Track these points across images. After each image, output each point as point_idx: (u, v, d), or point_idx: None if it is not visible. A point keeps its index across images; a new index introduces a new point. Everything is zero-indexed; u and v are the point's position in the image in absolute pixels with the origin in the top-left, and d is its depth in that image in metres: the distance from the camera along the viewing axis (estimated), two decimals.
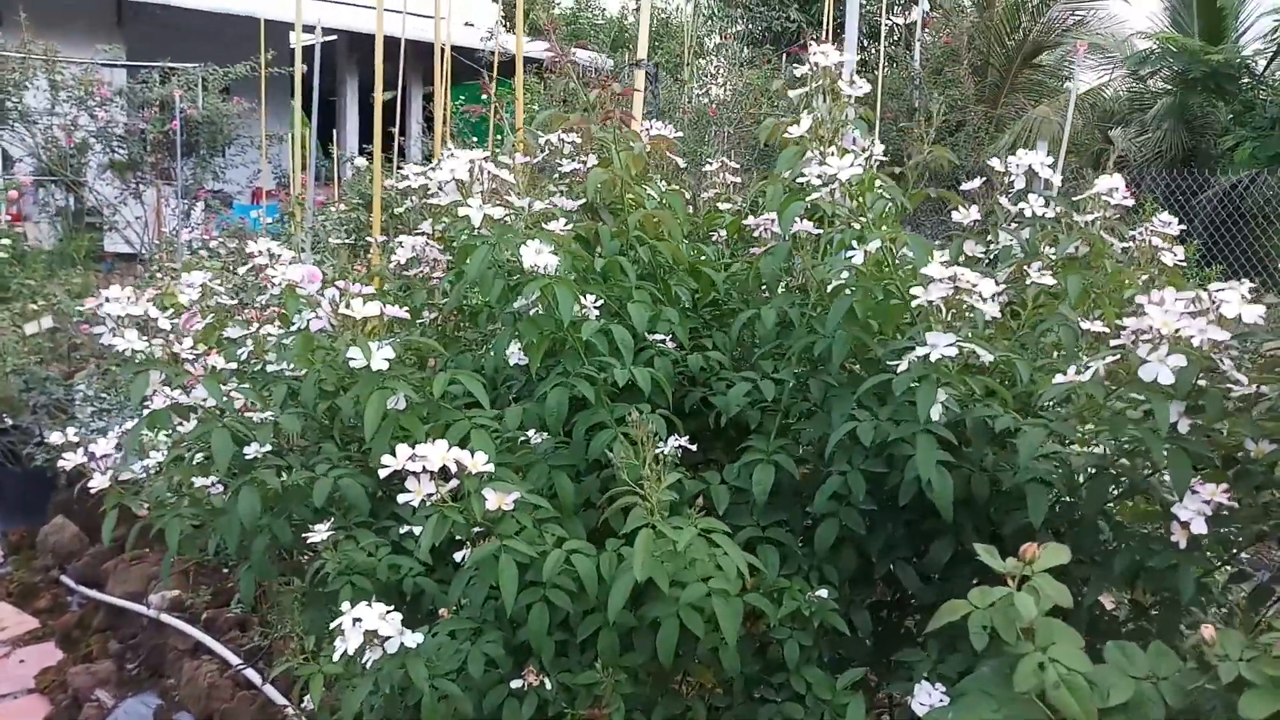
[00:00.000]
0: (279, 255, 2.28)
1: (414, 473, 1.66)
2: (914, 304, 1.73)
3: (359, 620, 1.69)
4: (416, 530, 2.26)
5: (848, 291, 1.92)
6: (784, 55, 11.09)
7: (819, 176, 1.87)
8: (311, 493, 2.21)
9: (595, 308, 1.96)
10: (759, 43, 11.56)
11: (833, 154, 1.81)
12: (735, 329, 2.16)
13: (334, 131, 11.18)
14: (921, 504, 1.98)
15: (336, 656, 1.70)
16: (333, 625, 1.73)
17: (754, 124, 7.65)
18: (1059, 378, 1.77)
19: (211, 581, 4.41)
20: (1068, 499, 2.01)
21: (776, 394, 2.03)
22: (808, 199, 1.97)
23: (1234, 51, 11.87)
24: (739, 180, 3.09)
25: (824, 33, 7.73)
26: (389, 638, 1.70)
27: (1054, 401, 1.79)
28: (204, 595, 4.29)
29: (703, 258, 2.52)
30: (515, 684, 1.89)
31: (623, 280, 2.17)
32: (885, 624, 2.31)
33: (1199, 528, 1.69)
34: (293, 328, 2.32)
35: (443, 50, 5.18)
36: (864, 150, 1.83)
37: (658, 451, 1.65)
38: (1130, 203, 2.18)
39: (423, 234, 2.60)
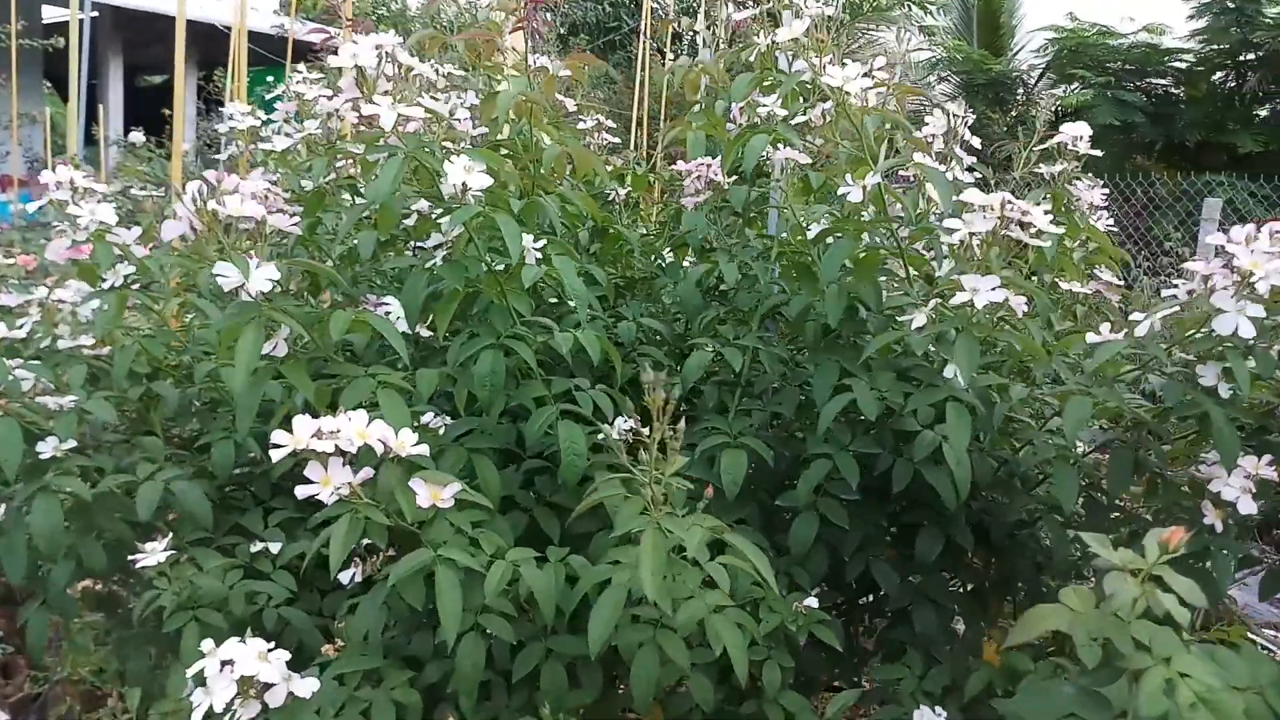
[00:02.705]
0: (86, 189, 1.72)
1: (320, 455, 1.19)
2: (947, 241, 1.42)
3: (230, 663, 1.21)
4: (274, 548, 1.78)
5: (830, 240, 1.60)
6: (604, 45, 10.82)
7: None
8: (132, 502, 1.68)
9: (536, 249, 1.54)
10: (570, 34, 11.24)
11: (829, 63, 1.48)
12: (690, 281, 1.79)
13: (97, 114, 9.99)
14: (905, 492, 1.69)
15: (197, 717, 1.21)
16: (190, 672, 1.24)
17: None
18: (1092, 336, 1.52)
19: None
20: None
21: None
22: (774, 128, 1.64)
23: (1011, 65, 12.53)
24: (617, 141, 2.75)
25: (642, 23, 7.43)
26: (272, 686, 1.23)
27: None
28: None
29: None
30: None
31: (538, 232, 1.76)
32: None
33: (1246, 507, 1.47)
34: (103, 286, 1.78)
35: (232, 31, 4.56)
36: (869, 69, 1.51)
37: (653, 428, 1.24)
38: (1099, 153, 1.98)
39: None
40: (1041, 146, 2.00)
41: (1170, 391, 1.45)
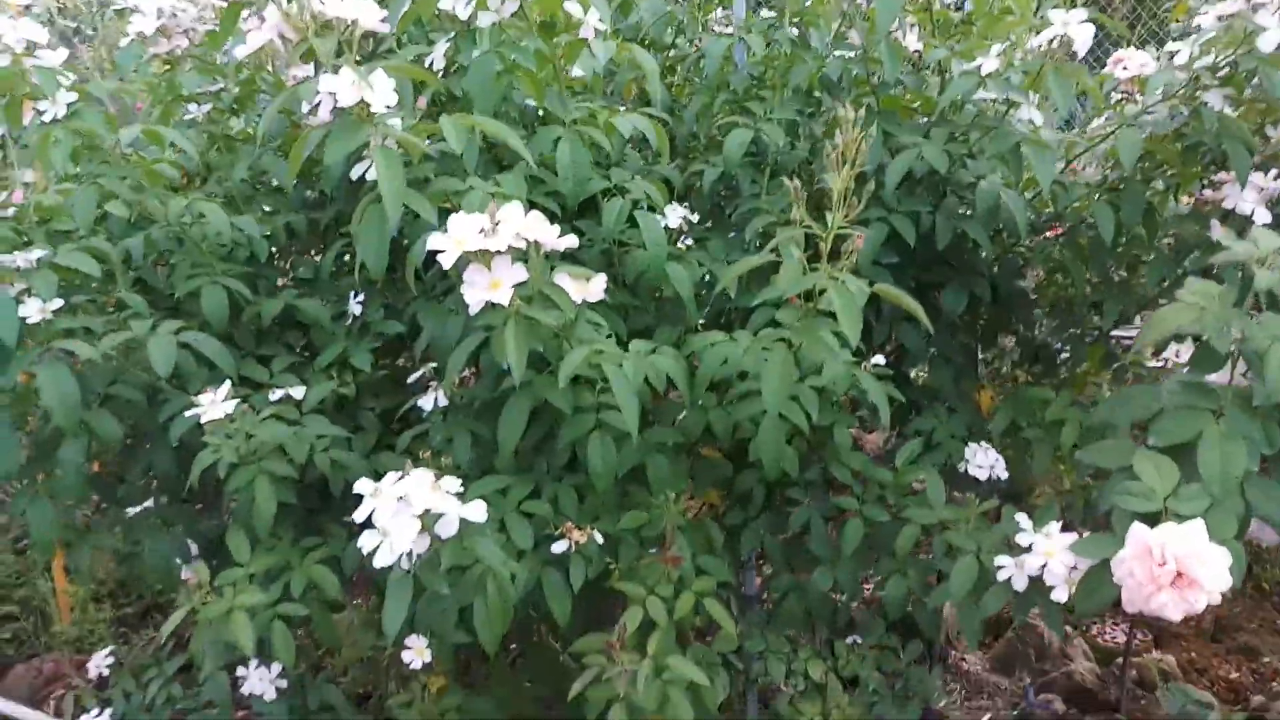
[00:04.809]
0: None
1: (479, 256, 1.08)
2: None
3: (405, 500, 1.12)
4: (297, 393, 1.63)
5: None
6: None
7: None
8: (134, 364, 1.50)
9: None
10: None
11: None
12: (716, 53, 1.69)
13: None
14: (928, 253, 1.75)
15: (383, 560, 1.12)
16: (358, 515, 1.13)
17: None
18: (1118, 70, 1.59)
19: None
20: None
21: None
22: None
23: None
24: None
25: None
26: (442, 515, 1.15)
27: None
28: None
29: None
30: (558, 548, 1.41)
31: None
32: None
33: (1262, 217, 1.61)
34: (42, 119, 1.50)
35: None
36: None
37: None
38: None
39: None
40: None
41: (1207, 118, 1.53)
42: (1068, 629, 3.32)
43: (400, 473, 1.14)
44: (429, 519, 1.13)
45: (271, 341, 1.80)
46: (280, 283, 1.90)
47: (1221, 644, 3.46)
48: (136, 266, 1.70)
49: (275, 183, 1.87)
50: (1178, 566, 1.20)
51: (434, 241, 1.09)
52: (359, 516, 1.14)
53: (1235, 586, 1.26)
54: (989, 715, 2.97)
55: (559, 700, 2.06)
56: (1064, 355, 2.02)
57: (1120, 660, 3.13)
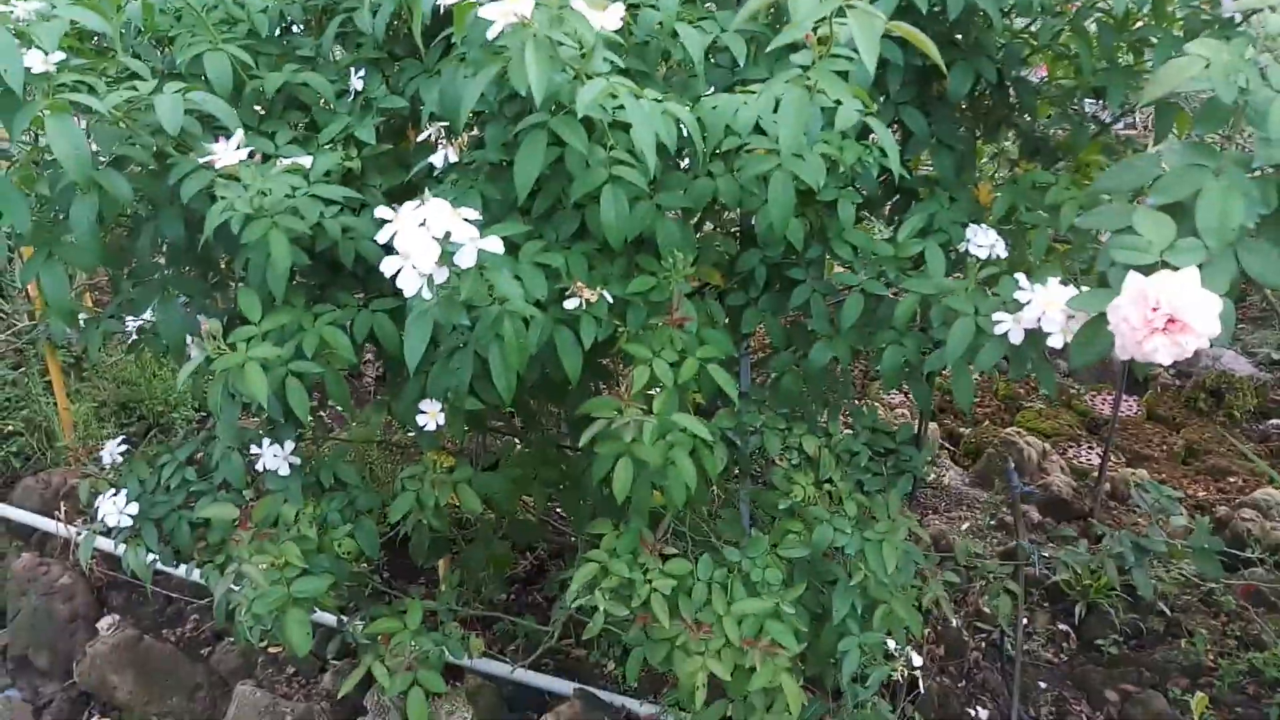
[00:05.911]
0: None
1: None
2: None
3: (425, 225, 1.13)
4: (305, 161, 1.63)
5: None
6: None
7: None
8: (152, 124, 1.49)
9: None
10: None
11: None
12: None
13: None
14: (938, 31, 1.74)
15: (407, 284, 1.14)
16: (381, 237, 1.15)
17: None
18: None
19: None
20: None
21: None
22: None
23: None
24: None
25: None
26: (461, 246, 1.17)
27: None
28: None
29: None
30: (569, 305, 1.44)
31: None
32: None
33: None
34: None
35: None
36: None
37: None
38: None
39: None
40: None
41: None
42: (1045, 446, 3.44)
43: (418, 201, 1.16)
44: (448, 246, 1.15)
45: (274, 121, 1.79)
46: None
47: (1191, 466, 3.60)
48: (136, 37, 1.68)
49: None
50: (1170, 312, 1.23)
51: None
52: (381, 238, 1.16)
53: (1225, 340, 1.31)
54: (968, 524, 3.10)
55: (564, 487, 2.14)
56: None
57: (1095, 475, 3.25)
